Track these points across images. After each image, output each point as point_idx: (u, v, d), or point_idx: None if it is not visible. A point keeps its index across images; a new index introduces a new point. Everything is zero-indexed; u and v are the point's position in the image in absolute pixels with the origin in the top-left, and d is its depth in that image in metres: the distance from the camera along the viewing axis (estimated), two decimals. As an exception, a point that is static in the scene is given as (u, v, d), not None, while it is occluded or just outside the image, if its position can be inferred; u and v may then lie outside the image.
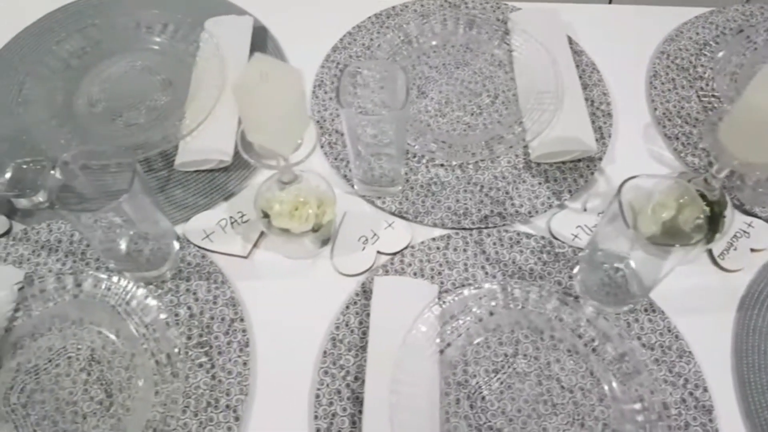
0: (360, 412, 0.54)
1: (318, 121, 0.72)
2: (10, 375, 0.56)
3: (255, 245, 0.64)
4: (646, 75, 0.76)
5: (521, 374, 0.56)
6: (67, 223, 0.64)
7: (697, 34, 0.78)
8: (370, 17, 0.80)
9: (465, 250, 0.62)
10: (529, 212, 0.64)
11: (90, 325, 0.59)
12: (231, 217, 0.65)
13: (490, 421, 0.54)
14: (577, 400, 0.55)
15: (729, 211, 0.57)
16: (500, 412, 0.54)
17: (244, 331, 0.58)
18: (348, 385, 0.56)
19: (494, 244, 0.62)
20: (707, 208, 0.54)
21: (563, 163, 0.67)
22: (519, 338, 0.57)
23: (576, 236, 0.63)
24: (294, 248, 0.63)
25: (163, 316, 0.57)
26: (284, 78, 0.46)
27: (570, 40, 0.76)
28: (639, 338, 0.57)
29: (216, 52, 0.74)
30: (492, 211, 0.64)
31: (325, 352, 0.57)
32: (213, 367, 0.56)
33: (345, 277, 0.62)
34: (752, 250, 0.63)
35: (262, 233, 0.64)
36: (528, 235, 0.63)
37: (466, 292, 0.58)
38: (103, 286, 0.59)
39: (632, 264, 0.58)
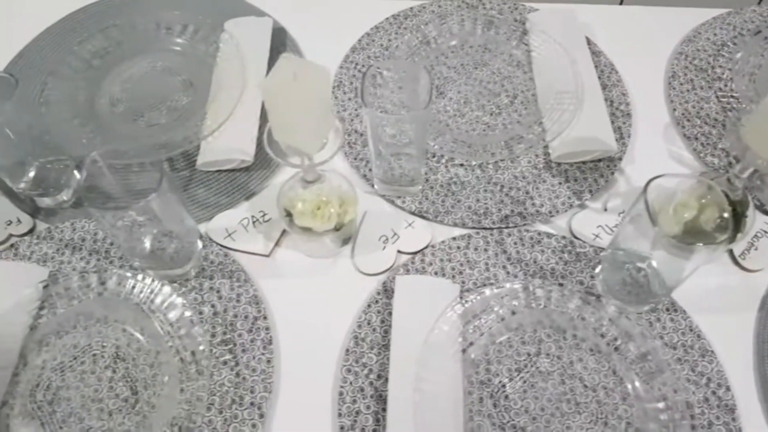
0: (383, 410, 0.54)
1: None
2: (36, 372, 0.57)
3: (277, 244, 0.64)
4: (665, 75, 0.76)
5: (544, 373, 0.56)
6: (91, 222, 0.65)
7: (715, 35, 0.78)
8: (388, 18, 0.80)
9: (486, 250, 0.62)
10: (550, 212, 0.64)
11: (114, 322, 0.59)
12: (253, 216, 0.65)
13: (513, 420, 0.54)
14: (600, 399, 0.55)
15: (751, 211, 0.57)
16: (523, 410, 0.54)
17: (267, 329, 0.59)
18: (371, 383, 0.56)
19: (515, 243, 0.63)
20: (730, 208, 0.54)
21: (583, 163, 0.67)
22: (541, 337, 0.58)
23: (597, 236, 0.63)
24: (315, 247, 0.64)
25: (187, 313, 0.58)
26: (312, 77, 0.47)
27: (588, 41, 0.76)
28: (661, 337, 0.58)
29: (236, 53, 0.74)
30: (512, 211, 0.64)
31: (347, 351, 0.57)
32: (237, 364, 0.57)
33: (366, 276, 0.63)
34: (773, 250, 0.63)
35: (283, 232, 0.64)
36: (549, 235, 0.63)
37: (487, 291, 0.59)
38: (128, 284, 0.60)
39: (654, 264, 0.58)
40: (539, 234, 0.63)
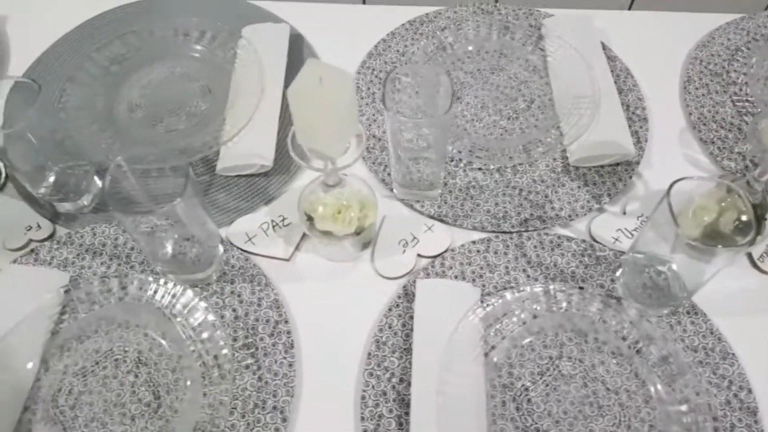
0: (406, 414, 0.54)
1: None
2: (58, 377, 0.57)
3: (297, 248, 0.64)
4: (680, 80, 0.76)
5: (566, 376, 0.56)
6: (111, 226, 0.65)
7: (729, 39, 0.79)
8: (403, 24, 0.81)
9: (506, 254, 0.63)
10: (569, 216, 0.65)
11: (136, 327, 0.59)
12: (272, 221, 0.66)
13: (536, 423, 0.54)
14: (622, 401, 0.55)
15: (770, 214, 0.57)
16: (546, 413, 0.54)
17: (288, 332, 0.59)
18: (393, 387, 0.56)
19: (535, 247, 0.63)
20: (751, 211, 0.54)
21: (601, 167, 0.67)
22: (563, 341, 0.58)
23: (616, 239, 0.63)
24: (335, 251, 0.64)
25: (209, 317, 0.58)
26: (338, 82, 0.47)
27: (603, 46, 0.76)
28: (682, 340, 0.58)
29: (254, 59, 0.74)
30: (532, 215, 0.65)
31: (369, 354, 0.58)
32: (259, 368, 0.57)
33: (385, 280, 0.63)
34: (792, 253, 0.63)
35: (303, 236, 0.65)
36: (569, 239, 0.63)
37: (508, 295, 0.59)
38: (149, 289, 0.60)
39: (674, 267, 0.58)
40: (559, 238, 0.63)
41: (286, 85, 0.73)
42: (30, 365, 0.57)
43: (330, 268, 0.64)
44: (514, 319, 0.58)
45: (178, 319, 0.58)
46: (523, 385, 0.56)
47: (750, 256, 0.63)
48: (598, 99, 0.69)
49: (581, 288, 0.59)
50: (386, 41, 0.79)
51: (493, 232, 0.64)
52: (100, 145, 0.71)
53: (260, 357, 0.57)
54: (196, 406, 0.55)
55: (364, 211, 0.61)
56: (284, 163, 0.70)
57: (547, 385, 0.56)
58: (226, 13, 0.82)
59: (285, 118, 0.72)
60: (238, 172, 0.68)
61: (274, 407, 0.55)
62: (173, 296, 0.59)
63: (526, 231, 0.64)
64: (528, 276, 0.61)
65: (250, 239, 0.64)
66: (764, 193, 0.60)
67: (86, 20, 0.84)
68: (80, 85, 0.76)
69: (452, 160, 0.69)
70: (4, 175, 0.69)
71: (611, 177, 0.67)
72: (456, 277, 0.62)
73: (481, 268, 0.62)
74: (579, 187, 0.66)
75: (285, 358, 0.57)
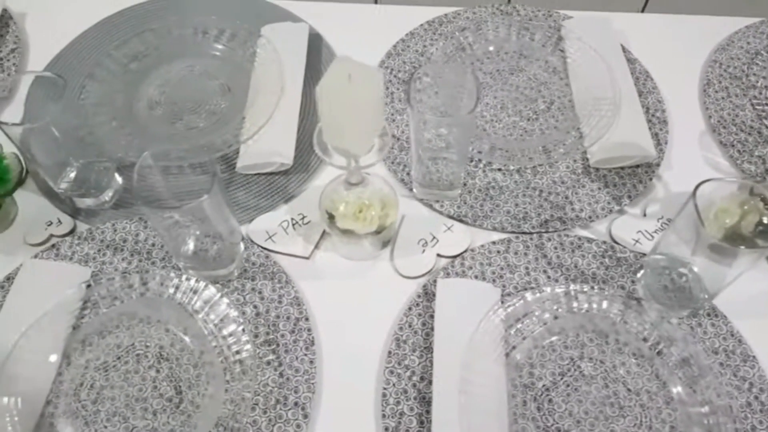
0: (427, 412, 0.54)
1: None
2: (80, 371, 0.57)
3: (316, 247, 0.64)
4: (699, 83, 0.76)
5: (587, 377, 0.56)
6: (132, 222, 0.65)
7: (748, 43, 0.79)
8: (422, 24, 0.81)
9: (526, 254, 0.63)
10: (590, 217, 0.65)
11: (157, 323, 0.59)
12: (292, 219, 0.66)
13: (557, 423, 0.54)
14: (643, 402, 0.55)
15: (793, 217, 0.57)
16: (567, 414, 0.54)
17: (309, 330, 0.59)
18: (414, 385, 0.56)
19: (555, 248, 0.63)
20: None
21: (621, 168, 0.67)
22: (584, 341, 0.58)
23: (637, 241, 0.63)
24: (355, 250, 0.64)
25: (231, 314, 0.58)
26: (366, 79, 0.47)
27: (622, 48, 0.76)
28: (703, 342, 0.58)
29: (274, 58, 0.75)
30: (552, 216, 0.65)
31: (389, 353, 0.58)
32: (280, 364, 0.57)
33: (405, 279, 0.63)
34: (813, 256, 0.63)
35: (323, 235, 0.65)
36: (589, 240, 0.63)
37: (529, 296, 0.59)
38: (170, 285, 0.60)
39: (696, 269, 0.58)
40: (579, 239, 0.63)
41: (306, 84, 0.74)
42: (52, 358, 0.57)
43: (349, 267, 0.64)
44: (535, 319, 0.58)
45: (200, 315, 0.59)
46: (544, 385, 0.56)
47: (770, 259, 0.63)
48: (619, 101, 0.69)
49: (602, 289, 0.59)
50: (405, 41, 0.80)
51: (513, 232, 0.64)
52: (119, 142, 0.71)
53: (281, 353, 0.57)
54: (217, 402, 0.55)
55: (385, 210, 0.61)
56: (304, 162, 0.70)
57: (568, 386, 0.56)
58: (245, 11, 0.82)
59: (305, 117, 0.72)
60: (258, 170, 0.69)
61: (296, 403, 0.55)
62: (195, 292, 0.59)
63: (547, 232, 0.64)
64: (548, 277, 0.61)
65: (270, 237, 0.65)
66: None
67: (105, 18, 0.84)
68: (99, 81, 0.76)
69: (472, 161, 0.69)
70: (24, 170, 0.69)
71: (631, 179, 0.67)
72: (476, 277, 0.62)
73: (501, 268, 0.62)
74: (599, 188, 0.66)
75: (306, 354, 0.57)
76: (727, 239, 0.59)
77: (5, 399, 0.54)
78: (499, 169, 0.68)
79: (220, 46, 0.80)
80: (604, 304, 0.58)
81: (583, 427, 0.54)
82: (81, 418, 0.55)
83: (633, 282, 0.61)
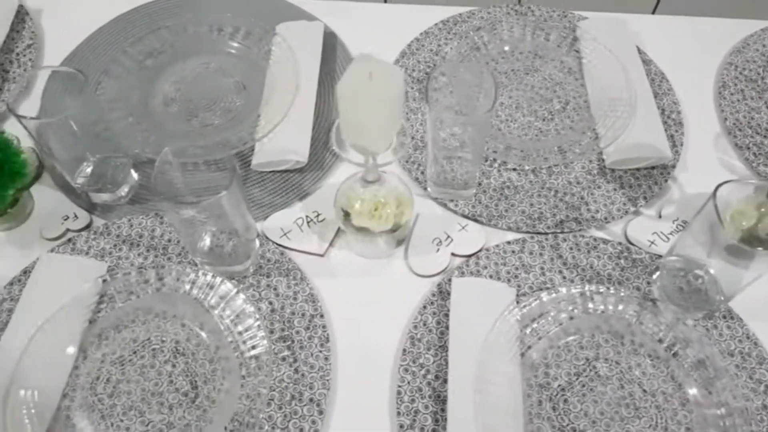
0: (442, 410, 0.54)
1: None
2: (96, 365, 0.58)
3: (330, 244, 0.65)
4: (714, 85, 0.76)
5: (603, 378, 0.56)
6: (149, 218, 0.65)
7: (764, 46, 0.79)
8: (437, 24, 0.81)
9: (541, 254, 0.63)
10: (605, 218, 0.65)
11: (173, 318, 0.60)
12: (307, 216, 0.66)
13: (573, 423, 0.54)
14: (659, 404, 0.55)
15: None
16: (583, 414, 0.54)
17: (324, 326, 0.59)
18: (429, 384, 0.56)
19: (570, 249, 0.63)
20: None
21: (637, 170, 0.67)
22: (600, 342, 0.58)
23: (652, 243, 0.63)
24: (369, 248, 0.64)
25: (247, 309, 0.58)
26: (387, 77, 0.47)
27: (638, 50, 0.76)
28: (718, 344, 0.58)
29: (289, 56, 0.75)
30: (567, 216, 0.65)
31: (404, 351, 0.58)
32: (295, 360, 0.57)
33: (419, 278, 0.63)
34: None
35: (337, 232, 0.65)
36: (605, 241, 0.63)
37: (544, 296, 0.59)
38: (187, 280, 0.60)
39: (712, 272, 0.58)
40: (595, 240, 0.63)
41: (320, 83, 0.74)
42: (69, 352, 0.57)
43: (364, 265, 0.64)
44: (551, 319, 0.58)
45: (216, 310, 0.59)
46: (559, 385, 0.56)
47: (785, 262, 0.63)
48: (635, 102, 0.69)
49: (617, 290, 0.59)
50: (419, 40, 0.80)
51: (528, 232, 0.64)
52: (136, 138, 0.71)
53: (296, 350, 0.58)
54: (233, 397, 0.55)
55: (401, 209, 0.61)
56: (318, 160, 0.70)
57: (583, 386, 0.56)
58: (259, 9, 0.82)
59: (319, 115, 0.73)
60: (273, 167, 0.69)
61: (311, 399, 0.55)
62: (211, 288, 0.60)
63: (562, 232, 0.64)
64: (564, 277, 0.61)
65: (285, 234, 0.65)
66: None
67: (120, 14, 0.84)
68: (115, 78, 0.76)
69: (486, 160, 0.69)
70: (40, 165, 0.70)
71: (647, 180, 0.67)
72: (491, 276, 0.62)
73: (517, 268, 0.62)
74: (615, 189, 0.66)
75: (321, 351, 0.58)
76: (743, 242, 0.59)
77: (22, 392, 0.55)
78: (514, 169, 0.68)
79: (235, 44, 0.80)
80: (620, 305, 0.59)
81: (599, 428, 0.54)
82: (97, 411, 0.55)
83: (648, 283, 0.61)
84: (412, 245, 0.65)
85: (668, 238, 0.63)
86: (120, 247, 0.64)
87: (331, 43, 0.80)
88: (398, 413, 0.55)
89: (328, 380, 0.56)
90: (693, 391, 0.55)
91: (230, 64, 0.79)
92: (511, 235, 0.65)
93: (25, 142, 0.67)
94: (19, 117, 0.57)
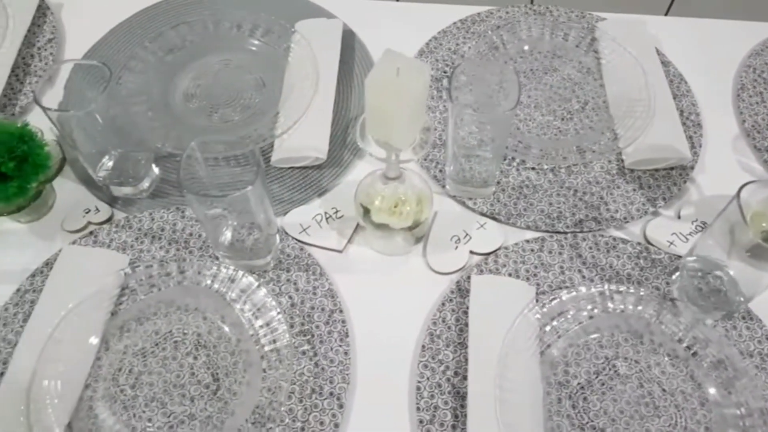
0: (461, 406, 0.55)
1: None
2: (118, 357, 0.58)
3: (349, 241, 0.65)
4: (733, 87, 0.76)
5: (622, 376, 0.56)
6: (170, 212, 0.66)
7: (783, 48, 0.79)
8: (455, 23, 0.81)
9: (560, 253, 0.63)
10: (624, 218, 0.65)
11: (195, 310, 0.60)
12: (326, 213, 0.66)
13: (592, 421, 0.54)
14: (678, 403, 0.55)
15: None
16: (602, 412, 0.55)
17: (343, 321, 0.59)
18: (448, 380, 0.56)
19: (590, 248, 0.63)
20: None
21: (656, 170, 0.68)
22: (619, 341, 0.58)
23: (671, 243, 0.63)
24: (388, 244, 0.64)
25: (268, 303, 0.58)
26: (414, 73, 0.48)
27: (656, 51, 0.77)
28: (738, 345, 0.58)
29: (308, 54, 0.75)
30: (587, 216, 0.65)
31: (423, 347, 0.58)
32: (315, 354, 0.57)
33: (437, 275, 0.63)
34: None
35: (356, 229, 0.65)
36: (624, 241, 0.63)
37: (564, 295, 0.59)
38: (208, 274, 0.61)
39: (732, 273, 0.58)
40: (614, 239, 0.63)
41: (339, 80, 0.74)
42: (92, 343, 0.58)
43: (382, 261, 0.64)
44: (570, 318, 0.58)
45: (237, 304, 0.59)
46: (579, 384, 0.56)
47: (804, 264, 0.63)
48: (653, 103, 0.70)
49: (637, 290, 0.59)
50: (437, 39, 0.80)
51: (547, 231, 0.65)
52: (157, 132, 0.71)
53: (316, 344, 0.58)
54: (254, 390, 0.55)
55: (420, 206, 0.61)
56: (337, 157, 0.70)
57: (603, 384, 0.56)
58: (278, 7, 0.83)
59: (338, 113, 0.73)
60: (292, 164, 0.69)
61: (331, 393, 0.55)
62: (232, 281, 0.60)
63: (581, 232, 0.64)
64: (583, 277, 0.62)
65: (304, 230, 0.65)
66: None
67: (140, 10, 0.85)
68: (135, 73, 0.77)
69: (505, 159, 0.69)
70: (62, 157, 0.70)
71: (666, 181, 0.67)
72: (510, 274, 0.62)
73: (536, 267, 0.62)
74: (634, 190, 0.67)
75: (340, 346, 0.58)
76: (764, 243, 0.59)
77: (45, 382, 0.55)
78: (533, 168, 0.68)
79: (255, 41, 0.80)
80: (639, 305, 0.59)
81: (618, 426, 0.54)
82: (119, 402, 0.56)
83: (668, 283, 0.61)
84: (431, 242, 0.65)
85: (687, 239, 0.63)
86: (141, 240, 0.65)
87: (349, 42, 0.80)
88: (418, 408, 0.55)
89: (347, 374, 0.57)
90: (712, 391, 0.55)
91: (250, 61, 0.79)
92: (530, 234, 0.65)
93: (48, 135, 0.68)
94: (45, 109, 0.58)
